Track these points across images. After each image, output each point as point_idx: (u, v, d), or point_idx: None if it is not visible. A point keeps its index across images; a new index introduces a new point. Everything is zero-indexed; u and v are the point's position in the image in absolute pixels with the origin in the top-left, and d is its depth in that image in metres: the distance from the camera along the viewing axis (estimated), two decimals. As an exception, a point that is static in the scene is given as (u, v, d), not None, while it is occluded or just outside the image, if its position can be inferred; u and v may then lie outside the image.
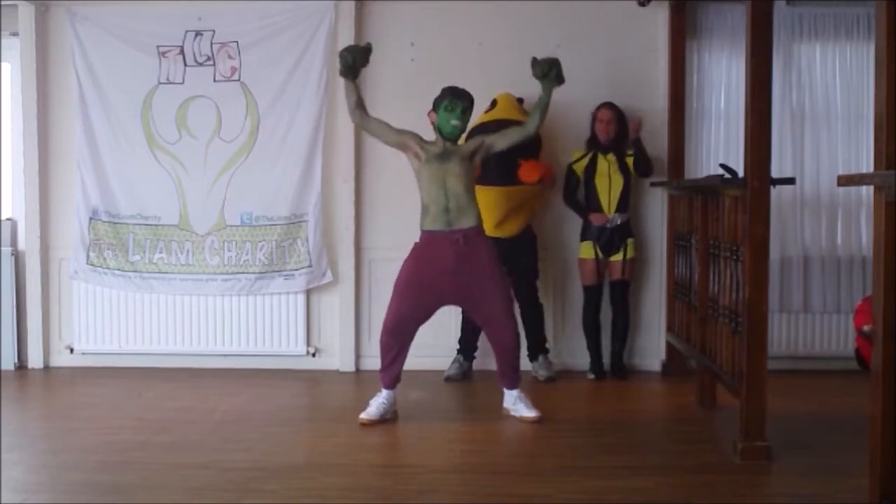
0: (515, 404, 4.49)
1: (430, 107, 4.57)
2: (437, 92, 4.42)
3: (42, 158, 5.77)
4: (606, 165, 5.34)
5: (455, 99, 4.46)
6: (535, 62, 4.47)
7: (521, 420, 4.42)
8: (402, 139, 4.51)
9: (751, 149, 3.68)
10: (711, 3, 5.62)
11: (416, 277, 4.38)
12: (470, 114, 4.55)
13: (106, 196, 5.71)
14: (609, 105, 5.38)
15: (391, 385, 4.47)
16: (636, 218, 5.59)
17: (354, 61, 4.39)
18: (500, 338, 4.44)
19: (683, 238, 5.06)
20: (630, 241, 5.39)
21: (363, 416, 4.39)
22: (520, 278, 5.40)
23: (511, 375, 4.51)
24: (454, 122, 4.45)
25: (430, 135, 4.61)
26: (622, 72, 5.61)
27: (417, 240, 4.48)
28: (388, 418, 4.45)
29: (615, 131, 5.35)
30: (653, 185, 5.52)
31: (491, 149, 4.52)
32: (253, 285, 5.64)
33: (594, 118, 5.39)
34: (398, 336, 4.42)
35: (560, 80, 4.46)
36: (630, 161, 5.35)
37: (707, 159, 5.62)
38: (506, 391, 4.54)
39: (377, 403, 4.45)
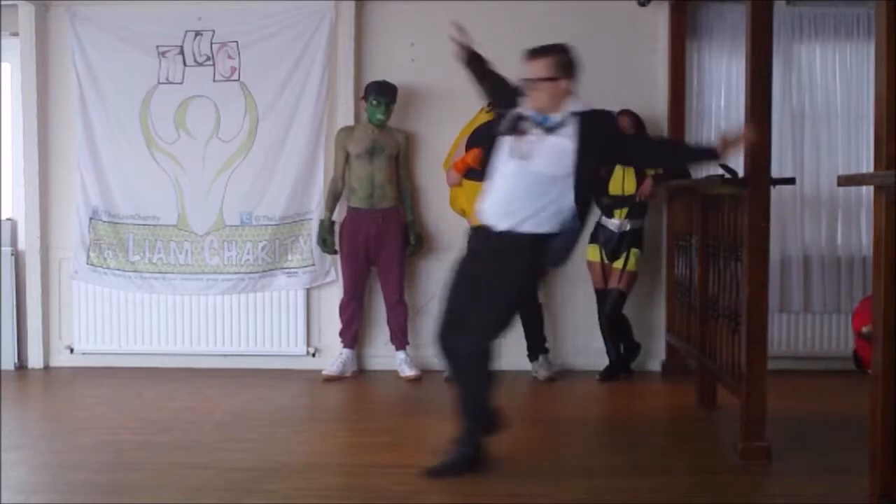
0: (401, 365, 5.40)
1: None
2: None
3: (42, 158, 5.77)
4: (622, 173, 5.26)
5: (380, 96, 5.27)
6: None
7: (405, 379, 5.31)
8: (342, 162, 5.40)
9: (751, 149, 3.68)
10: (711, 3, 5.62)
11: (352, 245, 5.37)
12: (394, 106, 5.33)
13: (106, 196, 5.71)
14: (628, 112, 5.24)
15: (352, 345, 5.45)
16: (636, 218, 5.58)
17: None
18: (390, 296, 5.41)
19: (683, 238, 5.06)
20: (634, 251, 5.28)
21: (325, 371, 5.35)
22: None
23: (400, 337, 5.43)
24: (380, 116, 5.30)
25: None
26: (622, 72, 5.61)
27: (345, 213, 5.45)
28: (347, 375, 5.38)
29: None
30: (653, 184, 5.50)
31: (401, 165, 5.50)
32: (256, 283, 5.64)
33: None
34: (353, 297, 5.40)
35: None
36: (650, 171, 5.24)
37: (707, 159, 5.61)
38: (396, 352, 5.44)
39: (339, 361, 5.39)
